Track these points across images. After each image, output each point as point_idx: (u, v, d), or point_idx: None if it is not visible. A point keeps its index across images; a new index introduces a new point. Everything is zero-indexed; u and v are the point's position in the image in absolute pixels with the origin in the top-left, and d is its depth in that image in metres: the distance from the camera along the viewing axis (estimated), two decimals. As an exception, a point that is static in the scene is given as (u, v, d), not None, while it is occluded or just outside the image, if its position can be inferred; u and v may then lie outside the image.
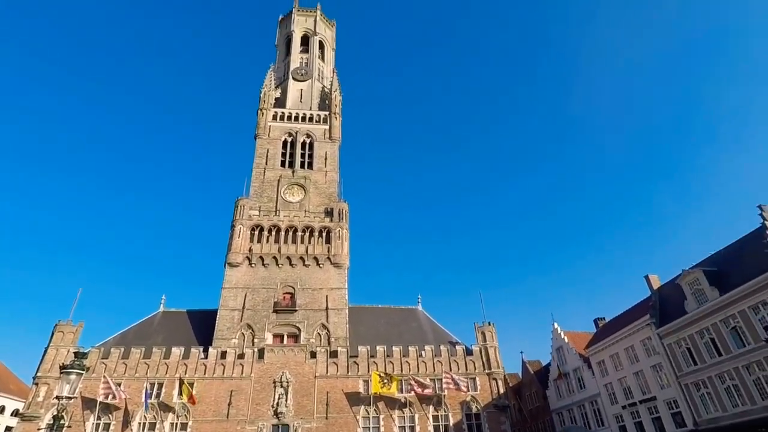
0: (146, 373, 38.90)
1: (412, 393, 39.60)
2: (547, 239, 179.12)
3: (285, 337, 44.15)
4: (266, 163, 55.29)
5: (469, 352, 44.06)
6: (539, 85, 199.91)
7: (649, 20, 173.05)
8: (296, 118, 59.77)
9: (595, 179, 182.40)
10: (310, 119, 60.04)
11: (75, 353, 12.62)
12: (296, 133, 58.38)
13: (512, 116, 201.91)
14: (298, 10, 73.13)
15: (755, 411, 27.69)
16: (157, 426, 36.68)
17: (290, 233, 49.24)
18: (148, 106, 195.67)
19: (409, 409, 39.46)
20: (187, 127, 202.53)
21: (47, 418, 35.31)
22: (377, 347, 42.65)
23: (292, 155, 56.92)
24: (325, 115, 60.74)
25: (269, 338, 43.42)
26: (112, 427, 36.34)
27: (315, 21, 72.29)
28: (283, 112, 59.92)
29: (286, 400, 38.45)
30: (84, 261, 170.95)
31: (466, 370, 42.64)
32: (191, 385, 37.84)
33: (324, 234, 49.79)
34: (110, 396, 36.05)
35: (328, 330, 44.64)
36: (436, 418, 39.64)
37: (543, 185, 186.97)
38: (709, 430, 30.53)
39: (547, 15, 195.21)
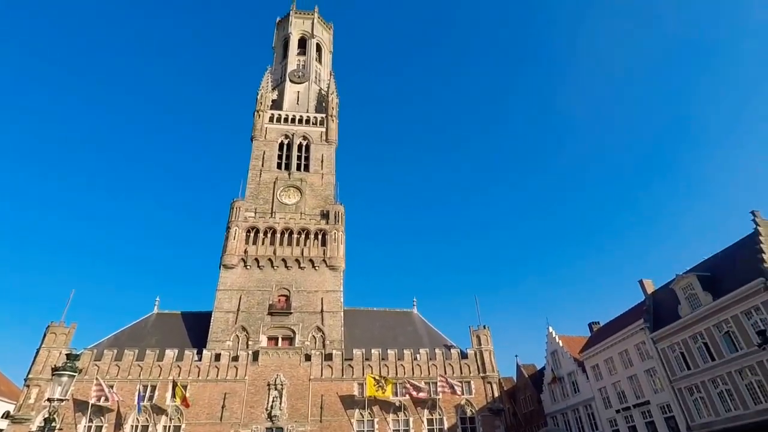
0: (139, 376, 38.64)
1: (407, 396, 39.55)
2: (543, 242, 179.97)
3: (280, 339, 44.02)
4: (262, 165, 55.25)
5: (464, 355, 44.08)
6: (533, 88, 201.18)
7: (645, 21, 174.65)
8: (293, 120, 59.82)
9: (592, 182, 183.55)
10: (307, 121, 60.10)
11: (67, 355, 12.50)
12: (293, 135, 58.40)
13: (511, 117, 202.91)
14: (296, 13, 73.28)
15: (748, 416, 27.82)
16: (150, 429, 36.39)
17: (286, 235, 49.17)
18: (144, 106, 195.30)
19: (404, 413, 39.39)
20: (182, 127, 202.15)
21: (38, 421, 34.94)
22: (372, 350, 42.59)
23: (288, 157, 56.92)
24: (322, 117, 60.81)
25: (264, 341, 43.27)
26: (104, 430, 36.03)
27: (312, 23, 72.49)
28: (279, 114, 59.93)
29: (281, 403, 38.29)
30: (77, 261, 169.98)
31: (461, 373, 42.65)
32: (185, 387, 37.63)
33: (320, 236, 49.75)
34: (103, 398, 35.75)
35: (323, 333, 44.54)
36: (430, 422, 39.58)
37: (539, 188, 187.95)
38: (702, 434, 30.64)
39: (539, 16, 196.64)
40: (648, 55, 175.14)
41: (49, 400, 11.82)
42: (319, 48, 71.79)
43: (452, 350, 44.40)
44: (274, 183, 53.94)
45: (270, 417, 37.47)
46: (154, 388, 38.24)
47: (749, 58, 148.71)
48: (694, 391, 31.73)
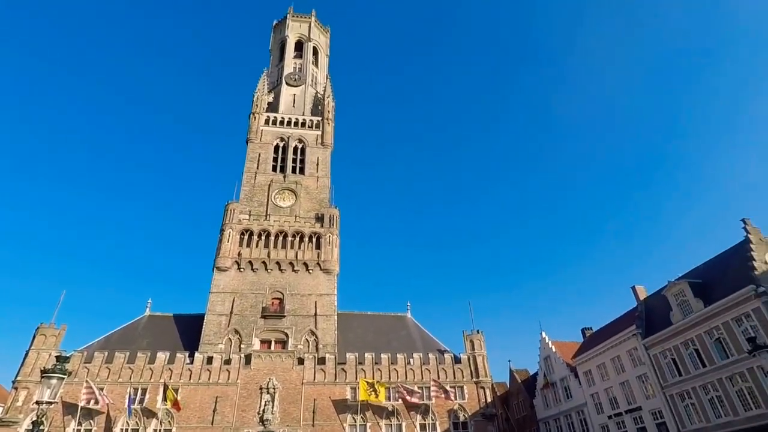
0: (130, 378, 38.28)
1: (400, 401, 39.47)
2: (537, 247, 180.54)
3: (273, 343, 43.80)
4: (257, 168, 55.17)
5: (457, 360, 44.09)
6: (525, 92, 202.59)
7: (642, 21, 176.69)
8: (288, 123, 59.84)
9: (587, 188, 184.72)
10: (303, 124, 60.14)
11: (57, 357, 12.40)
12: (288, 138, 58.40)
13: (502, 123, 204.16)
14: (293, 16, 73.48)
15: (738, 422, 28.03)
16: (140, 432, 36.04)
17: (280, 238, 49.05)
18: (137, 106, 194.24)
19: (397, 418, 39.30)
20: (176, 129, 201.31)
21: (26, 424, 34.56)
22: (365, 354, 42.50)
23: (283, 160, 56.89)
24: (318, 120, 60.88)
25: (256, 344, 43.04)
26: (93, 433, 35.62)
27: (309, 27, 72.72)
28: (275, 117, 59.93)
29: (273, 407, 38.05)
30: (68, 262, 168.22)
31: (454, 378, 42.65)
32: (176, 390, 37.31)
33: (314, 239, 49.68)
34: (92, 401, 35.34)
35: (316, 336, 44.38)
36: (423, 427, 39.52)
37: (534, 194, 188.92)
38: (693, 440, 30.80)
39: (537, 16, 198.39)
40: (646, 56, 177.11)
41: (37, 402, 11.71)
42: (315, 51, 71.99)
43: (445, 355, 44.39)
44: (269, 186, 53.86)
45: (262, 421, 37.20)
46: (144, 391, 37.89)
47: (743, 63, 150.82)
48: (686, 398, 31.92)
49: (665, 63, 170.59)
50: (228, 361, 40.26)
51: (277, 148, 57.76)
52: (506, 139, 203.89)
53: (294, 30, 71.94)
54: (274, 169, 55.95)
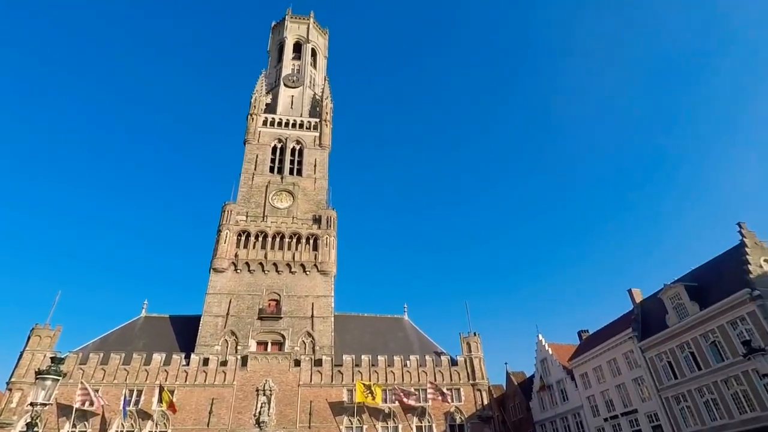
0: (125, 380, 38.13)
1: (397, 403, 39.45)
2: (534, 249, 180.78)
3: (269, 344, 43.71)
4: (255, 169, 55.13)
5: (454, 362, 44.10)
6: (524, 93, 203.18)
7: (639, 22, 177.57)
8: (286, 125, 59.85)
9: (584, 190, 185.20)
10: (300, 126, 60.16)
11: (51, 358, 12.35)
12: (286, 140, 58.40)
13: (501, 124, 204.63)
14: (292, 17, 73.53)
15: (733, 425, 28.13)
16: (135, 434, 35.87)
17: (277, 239, 49.00)
18: (134, 107, 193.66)
19: (393, 420, 39.27)
20: (174, 129, 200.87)
21: (20, 425, 34.37)
22: (362, 356, 42.47)
23: (281, 161, 56.89)
24: (316, 122, 60.91)
25: (253, 345, 42.93)
26: (88, 435, 35.44)
27: (308, 28, 72.78)
28: (273, 118, 59.93)
29: (269, 409, 37.96)
30: (64, 263, 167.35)
31: (451, 380, 42.67)
32: (172, 392, 37.18)
33: (311, 241, 49.66)
34: (87, 403, 35.18)
35: (313, 338, 44.32)
36: (420, 429, 39.51)
37: (531, 196, 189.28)
38: (689, 443, 30.89)
39: (534, 20, 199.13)
40: (643, 60, 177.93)
41: (32, 404, 11.64)
42: (314, 53, 72.06)
43: (442, 357, 44.41)
44: (267, 187, 53.82)
45: (258, 423, 37.11)
46: (140, 392, 37.75)
47: (741, 64, 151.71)
48: (681, 400, 32.02)
49: (664, 64, 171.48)
50: (224, 363, 40.14)
51: (274, 149, 57.76)
52: (505, 140, 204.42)
53: (292, 31, 72.01)
54: (272, 170, 55.93)
